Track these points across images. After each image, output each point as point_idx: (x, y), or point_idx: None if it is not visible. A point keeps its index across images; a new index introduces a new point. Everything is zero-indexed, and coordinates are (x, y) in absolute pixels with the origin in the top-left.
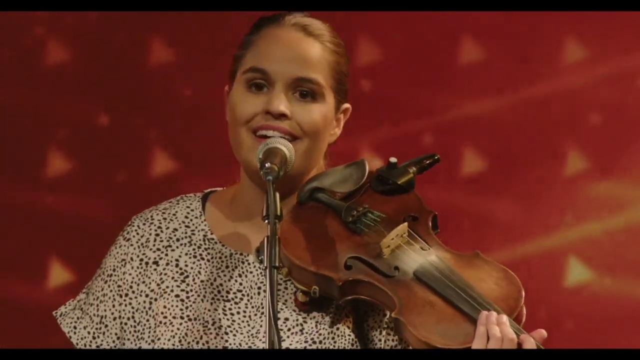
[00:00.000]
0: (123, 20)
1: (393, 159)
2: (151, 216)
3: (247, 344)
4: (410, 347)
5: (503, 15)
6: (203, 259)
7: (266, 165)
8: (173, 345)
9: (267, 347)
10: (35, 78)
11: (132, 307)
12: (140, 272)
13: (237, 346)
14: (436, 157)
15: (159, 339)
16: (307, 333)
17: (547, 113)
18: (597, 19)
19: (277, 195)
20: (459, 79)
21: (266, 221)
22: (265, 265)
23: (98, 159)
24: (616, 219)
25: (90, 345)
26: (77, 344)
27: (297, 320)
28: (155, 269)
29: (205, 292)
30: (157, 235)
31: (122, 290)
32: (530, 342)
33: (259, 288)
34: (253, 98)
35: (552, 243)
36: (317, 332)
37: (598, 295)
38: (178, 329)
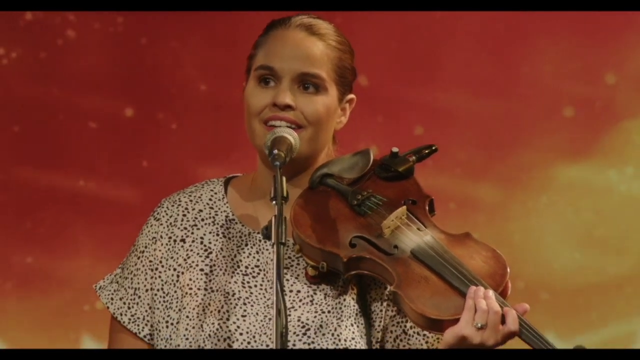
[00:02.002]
0: (145, 23)
1: (395, 149)
2: (179, 198)
3: (263, 313)
4: (407, 318)
5: (486, 15)
6: (225, 237)
7: (274, 152)
8: (197, 314)
9: (275, 315)
10: (67, 76)
11: (162, 280)
12: (169, 249)
13: (254, 315)
14: (434, 148)
15: (184, 308)
16: (316, 304)
17: (526, 106)
18: (568, 19)
19: (284, 179)
20: (447, 75)
21: (273, 202)
22: (272, 241)
23: (123, 148)
24: (585, 201)
25: (125, 314)
26: (114, 313)
27: (308, 292)
28: (182, 246)
29: (227, 266)
30: (184, 215)
31: (153, 265)
32: (512, 315)
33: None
34: (263, 92)
35: (530, 222)
36: (325, 302)
37: (569, 269)
38: (202, 299)
